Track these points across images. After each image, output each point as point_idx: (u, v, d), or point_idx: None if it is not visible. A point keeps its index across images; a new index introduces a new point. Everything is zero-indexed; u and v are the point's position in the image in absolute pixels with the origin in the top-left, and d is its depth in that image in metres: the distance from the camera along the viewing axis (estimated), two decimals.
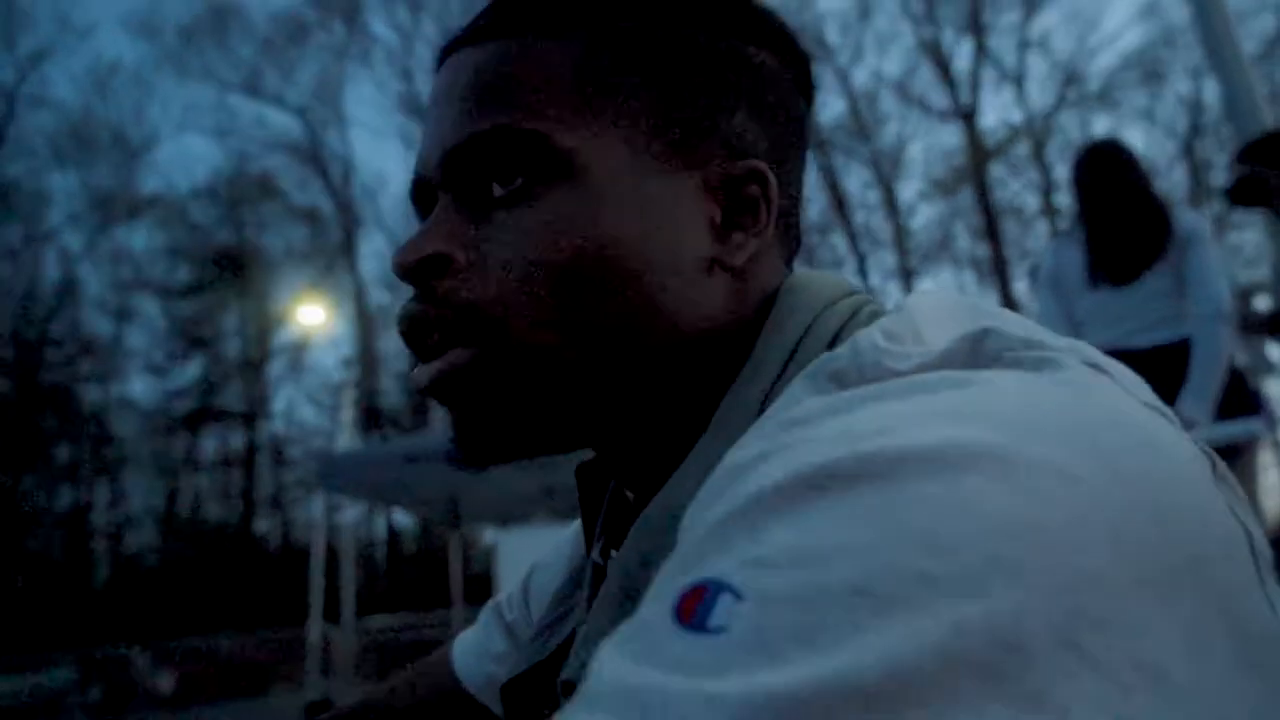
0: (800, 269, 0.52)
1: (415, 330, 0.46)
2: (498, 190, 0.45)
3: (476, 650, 0.77)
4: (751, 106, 0.49)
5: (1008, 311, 0.38)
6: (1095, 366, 0.32)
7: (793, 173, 0.51)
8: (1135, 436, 0.28)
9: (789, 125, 0.51)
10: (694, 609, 0.24)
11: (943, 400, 0.28)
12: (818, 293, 0.46)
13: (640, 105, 0.46)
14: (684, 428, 0.46)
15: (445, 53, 0.49)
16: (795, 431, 0.29)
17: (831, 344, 0.42)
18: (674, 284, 0.45)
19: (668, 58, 0.47)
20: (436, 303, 0.45)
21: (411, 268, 0.45)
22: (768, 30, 0.51)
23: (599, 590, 0.43)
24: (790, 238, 0.52)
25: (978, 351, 0.33)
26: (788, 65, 0.51)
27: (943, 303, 0.38)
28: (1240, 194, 3.08)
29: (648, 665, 0.23)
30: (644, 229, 0.44)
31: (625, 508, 0.52)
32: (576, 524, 0.63)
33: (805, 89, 0.53)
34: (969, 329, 0.34)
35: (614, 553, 0.52)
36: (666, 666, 0.23)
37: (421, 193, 0.49)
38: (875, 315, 0.44)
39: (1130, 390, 0.32)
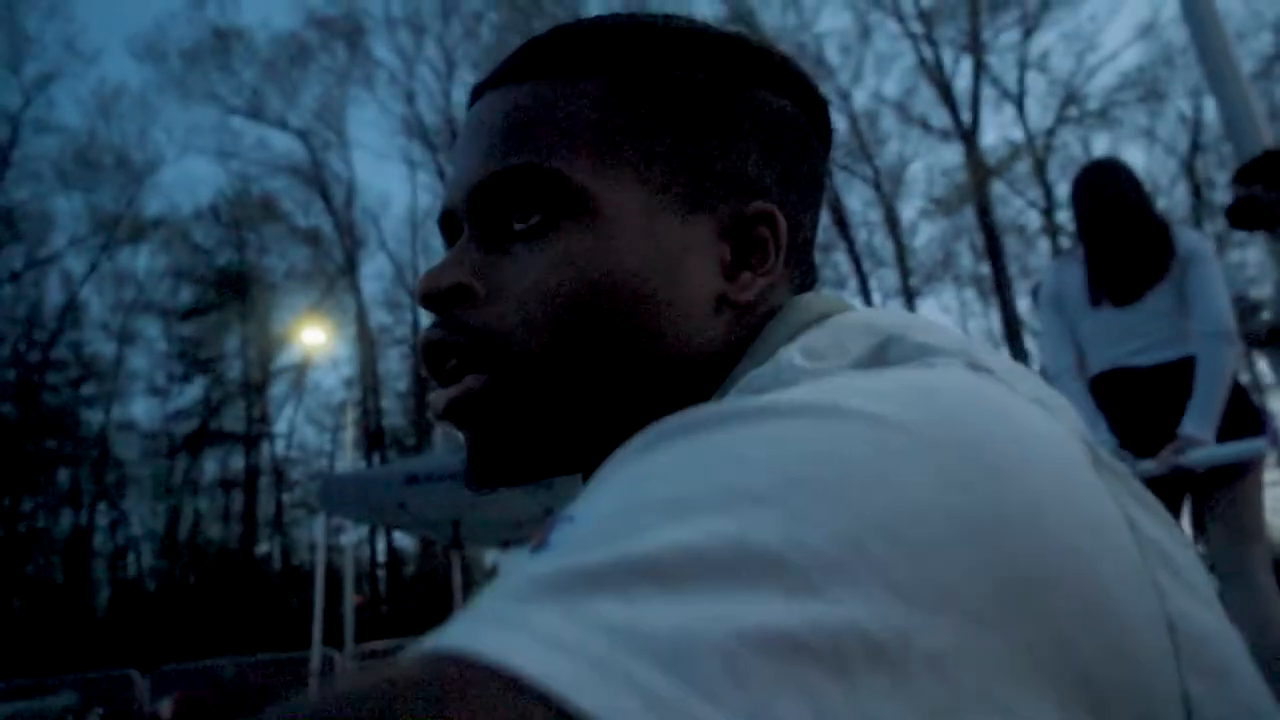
0: (802, 296, 0.52)
1: (435, 356, 0.48)
2: (517, 225, 0.47)
3: None
4: (765, 150, 0.50)
5: (931, 322, 0.40)
6: (978, 367, 0.34)
7: (806, 213, 0.53)
8: (990, 413, 0.29)
9: (803, 168, 0.52)
10: (543, 539, 0.27)
11: (818, 385, 0.31)
12: (801, 315, 0.47)
13: (656, 148, 0.48)
14: None
15: (476, 93, 0.52)
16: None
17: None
18: (682, 320, 0.46)
19: (684, 103, 0.49)
20: (455, 330, 0.47)
21: (434, 296, 0.47)
22: (785, 77, 0.52)
23: None
24: (801, 273, 0.53)
25: (878, 359, 0.36)
26: (804, 110, 0.52)
27: (866, 320, 0.41)
28: (1240, 216, 3.09)
29: (492, 587, 0.26)
30: (655, 267, 0.46)
31: None
32: None
33: (822, 132, 0.54)
34: (879, 337, 0.37)
35: None
36: (501, 582, 0.25)
37: (449, 223, 0.51)
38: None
39: (1013, 386, 0.33)
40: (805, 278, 0.53)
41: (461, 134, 0.51)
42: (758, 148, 0.50)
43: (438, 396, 0.48)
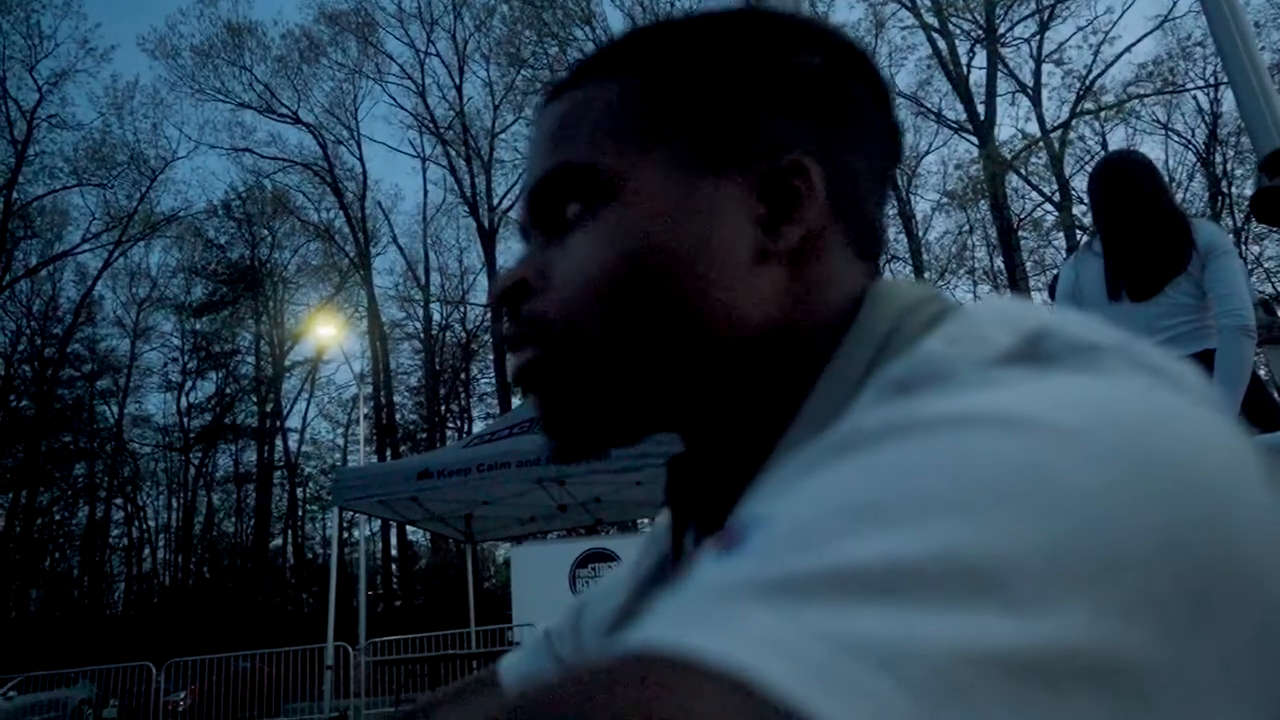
0: (887, 278, 0.53)
1: (506, 345, 0.53)
2: (569, 216, 0.51)
3: (529, 675, 0.76)
4: (796, 108, 0.51)
5: (1065, 312, 0.39)
6: (1145, 366, 0.33)
7: (854, 164, 0.52)
8: (1169, 420, 0.29)
9: (842, 118, 0.53)
10: (733, 541, 0.28)
11: (989, 392, 0.31)
12: (899, 300, 0.47)
13: (680, 125, 0.51)
14: (767, 420, 0.48)
15: (538, 106, 0.56)
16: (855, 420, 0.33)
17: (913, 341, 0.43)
18: (723, 277, 0.48)
19: (704, 80, 0.51)
20: (515, 320, 0.52)
21: (501, 295, 0.52)
22: (808, 35, 0.53)
23: None
24: (858, 229, 0.52)
25: (1034, 351, 0.34)
26: (836, 63, 0.53)
27: (1002, 306, 0.40)
28: (1264, 209, 3.06)
29: (689, 586, 0.27)
30: (688, 234, 0.48)
31: (717, 498, 0.53)
32: (631, 559, 0.66)
33: (866, 79, 0.54)
34: (1027, 329, 0.36)
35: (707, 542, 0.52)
36: (697, 582, 0.26)
37: (524, 232, 0.56)
38: (950, 319, 0.44)
39: (1180, 385, 0.33)
40: (867, 235, 0.53)
41: (526, 149, 0.57)
42: (786, 108, 0.51)
43: (509, 365, 0.54)
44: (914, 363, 0.37)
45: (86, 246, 32.03)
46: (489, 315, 31.45)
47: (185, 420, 34.32)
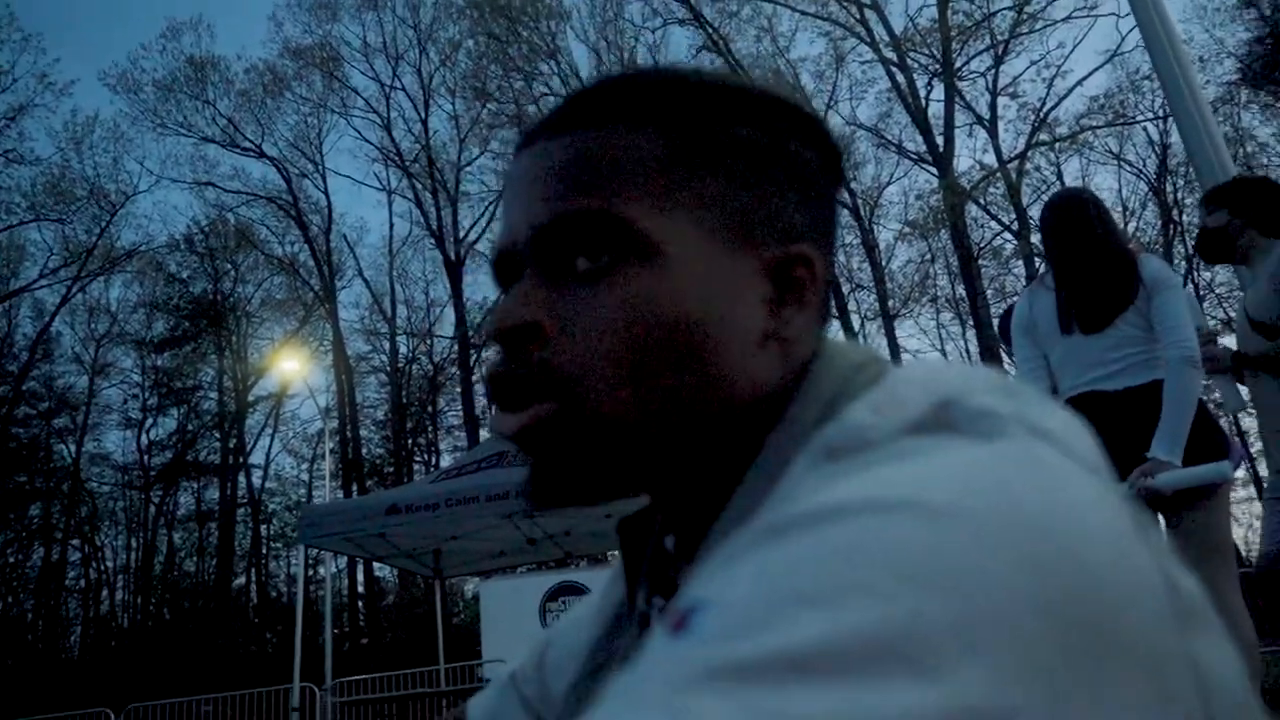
0: (832, 340, 0.56)
1: (503, 387, 0.50)
2: (582, 265, 0.49)
3: (493, 718, 0.79)
4: (800, 197, 0.54)
5: (979, 375, 0.43)
6: (1037, 431, 0.37)
7: (830, 254, 0.56)
8: (1054, 492, 0.33)
9: (827, 212, 0.56)
10: (680, 624, 0.31)
11: (898, 468, 0.34)
12: (841, 363, 0.51)
13: (708, 195, 0.51)
14: (724, 476, 0.50)
15: (528, 139, 0.54)
16: (783, 505, 0.36)
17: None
18: (735, 356, 0.50)
19: (730, 152, 0.52)
20: (525, 364, 0.49)
21: (506, 333, 0.49)
22: (812, 129, 0.56)
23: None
24: (826, 307, 0.56)
25: (942, 419, 0.38)
26: (825, 158, 0.57)
27: (921, 374, 0.44)
28: (1208, 250, 3.18)
29: (642, 669, 0.30)
30: (712, 307, 0.49)
31: (666, 557, 0.57)
32: (597, 592, 0.68)
33: (839, 179, 0.59)
34: (937, 398, 0.40)
35: (657, 600, 0.56)
36: (648, 667, 0.30)
37: (505, 263, 0.53)
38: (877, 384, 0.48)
39: (1069, 448, 0.37)
40: (828, 310, 0.57)
41: (515, 178, 0.53)
42: (794, 195, 0.53)
43: (503, 420, 0.51)
44: (842, 430, 0.41)
45: (44, 282, 31.48)
46: (455, 348, 31.64)
47: (145, 458, 33.66)
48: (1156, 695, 0.31)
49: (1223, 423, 2.78)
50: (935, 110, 26.12)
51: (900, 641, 0.27)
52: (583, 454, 0.49)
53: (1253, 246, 3.16)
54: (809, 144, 0.55)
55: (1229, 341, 3.36)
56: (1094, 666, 0.29)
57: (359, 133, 32.71)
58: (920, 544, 0.30)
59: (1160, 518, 2.63)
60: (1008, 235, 26.29)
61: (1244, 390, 3.29)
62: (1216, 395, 3.42)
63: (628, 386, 0.48)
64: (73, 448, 32.65)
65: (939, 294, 29.35)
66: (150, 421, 34.01)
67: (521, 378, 0.49)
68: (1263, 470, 3.28)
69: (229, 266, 33.88)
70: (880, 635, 0.27)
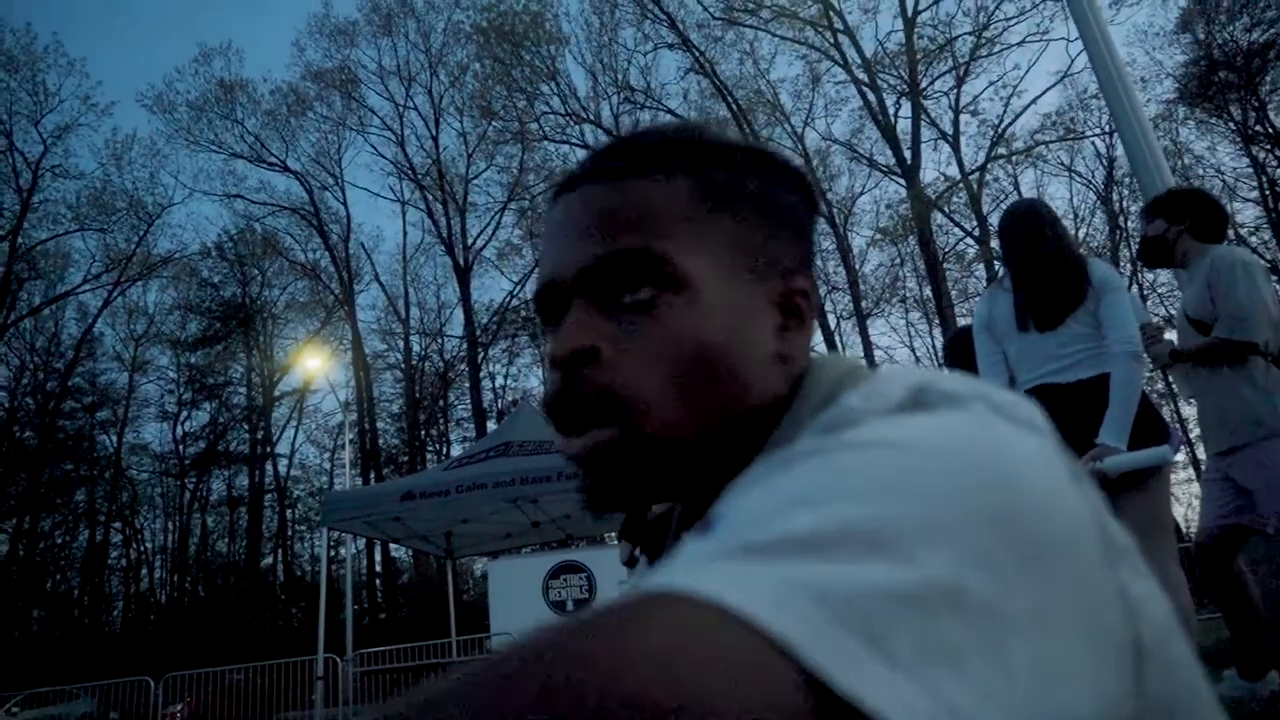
0: (823, 353, 0.59)
1: (563, 408, 0.52)
2: (627, 299, 0.51)
3: None
4: (792, 236, 0.58)
5: (946, 373, 0.47)
6: (994, 406, 0.41)
7: (813, 282, 0.60)
8: (1001, 440, 0.38)
9: (810, 248, 0.60)
10: (708, 526, 0.35)
11: (885, 426, 0.39)
12: (834, 368, 0.54)
13: (728, 236, 0.54)
14: (736, 472, 0.54)
15: (569, 184, 0.57)
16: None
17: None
18: (756, 374, 0.53)
19: (742, 200, 0.55)
20: (583, 386, 0.51)
21: (566, 358, 0.51)
22: (798, 179, 0.60)
23: None
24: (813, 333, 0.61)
25: (918, 400, 0.42)
26: (807, 203, 0.60)
27: (899, 372, 0.47)
28: (1149, 256, 3.21)
29: (672, 561, 0.34)
30: (738, 333, 0.52)
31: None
32: (609, 550, 0.72)
33: (816, 219, 0.62)
34: (913, 385, 0.43)
35: None
36: (680, 554, 0.34)
37: (549, 296, 0.55)
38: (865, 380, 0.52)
39: (1015, 417, 0.41)
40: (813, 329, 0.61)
41: (560, 220, 0.56)
42: (789, 235, 0.57)
43: (571, 444, 0.52)
44: (837, 412, 0.44)
45: (87, 287, 31.36)
46: (464, 347, 31.58)
47: (180, 448, 33.58)
48: (1089, 604, 0.34)
49: (1164, 411, 2.79)
50: (903, 126, 26.17)
51: (877, 532, 0.31)
52: (639, 470, 0.51)
53: (1188, 251, 3.18)
54: (796, 191, 0.59)
55: (1172, 336, 3.38)
56: (1034, 567, 0.33)
57: (375, 148, 32.65)
58: (895, 467, 0.35)
59: (1107, 498, 2.64)
60: (970, 241, 26.35)
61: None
62: (1160, 386, 3.43)
63: (678, 407, 0.50)
64: (114, 439, 32.57)
65: (908, 295, 29.43)
66: (185, 414, 33.97)
67: (582, 402, 0.51)
68: (1201, 454, 3.30)
69: (256, 272, 33.81)
70: (861, 527, 0.31)
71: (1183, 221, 3.20)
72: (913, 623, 0.28)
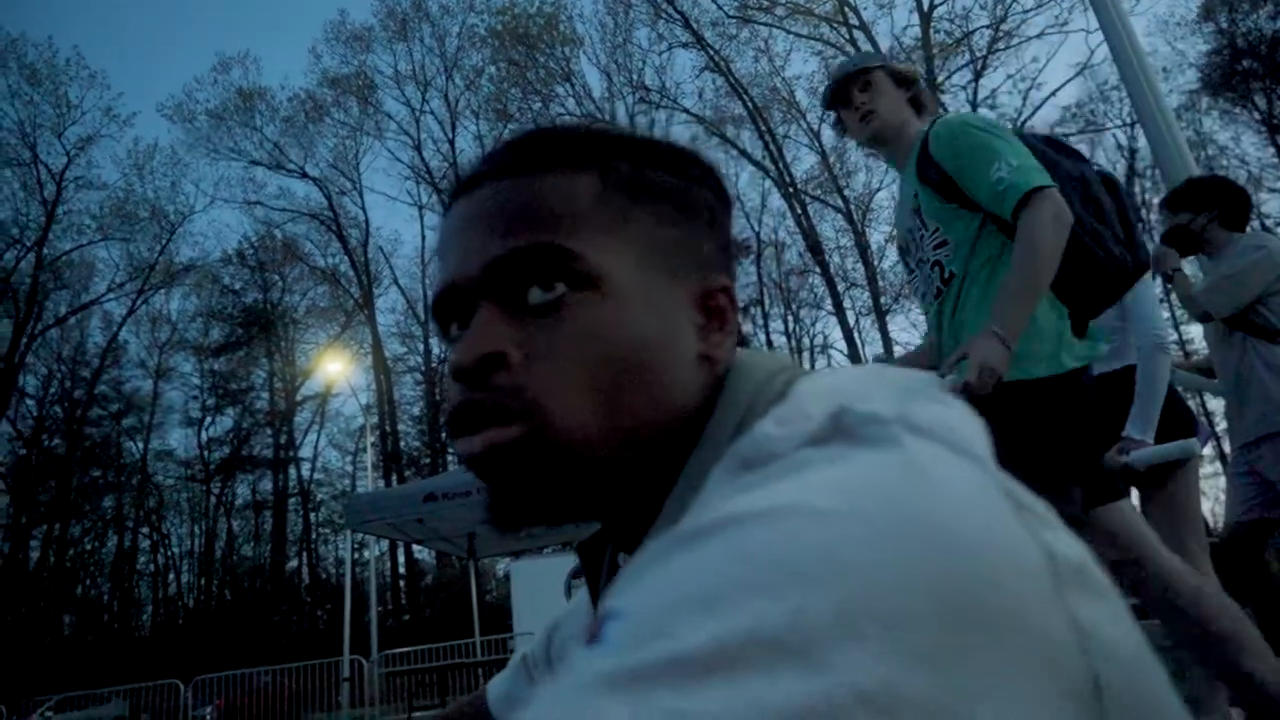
0: (746, 351, 0.56)
1: (465, 417, 0.48)
2: (535, 296, 0.48)
3: (507, 696, 0.80)
4: (710, 232, 0.56)
5: (870, 377, 0.44)
6: (918, 431, 0.38)
7: (735, 278, 0.58)
8: (929, 488, 0.34)
9: (728, 243, 0.58)
10: (597, 634, 0.31)
11: (794, 479, 0.35)
12: (753, 375, 0.51)
13: (641, 232, 0.51)
14: (657, 490, 0.50)
15: (468, 184, 0.53)
16: (699, 512, 0.37)
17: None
18: (675, 377, 0.50)
19: (656, 195, 0.53)
20: (489, 391, 0.47)
21: (470, 367, 0.47)
22: (706, 172, 0.58)
23: None
24: (739, 336, 0.57)
25: (837, 427, 0.39)
26: (721, 200, 0.58)
27: (820, 386, 0.45)
28: (1174, 243, 3.16)
29: (560, 679, 0.30)
30: (655, 333, 0.49)
31: (617, 571, 0.58)
32: (569, 609, 0.72)
33: (730, 219, 0.59)
34: (832, 408, 0.40)
35: None
36: (566, 676, 0.30)
37: (449, 300, 0.52)
38: (786, 396, 0.48)
39: (946, 440, 0.38)
40: (739, 332, 0.58)
41: (461, 219, 0.52)
42: (705, 232, 0.55)
43: (463, 445, 0.49)
44: (752, 443, 0.41)
45: (111, 296, 31.78)
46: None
47: (205, 453, 33.91)
48: (1040, 656, 0.31)
49: (1191, 404, 2.76)
50: None
51: (786, 636, 0.27)
52: (544, 475, 0.47)
53: (1215, 240, 3.14)
54: (709, 187, 0.57)
55: (1194, 333, 3.33)
56: (977, 642, 0.29)
57: (392, 153, 33.08)
58: (806, 543, 0.30)
59: (1135, 491, 2.62)
60: None
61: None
62: (1181, 377, 3.39)
63: (588, 409, 0.47)
64: (140, 445, 32.97)
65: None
66: (209, 420, 34.28)
67: (484, 404, 0.47)
68: (1229, 449, 3.27)
69: (277, 278, 34.09)
70: (767, 633, 0.28)
71: (1211, 209, 3.16)
72: None
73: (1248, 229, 3.20)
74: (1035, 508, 0.37)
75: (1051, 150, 2.03)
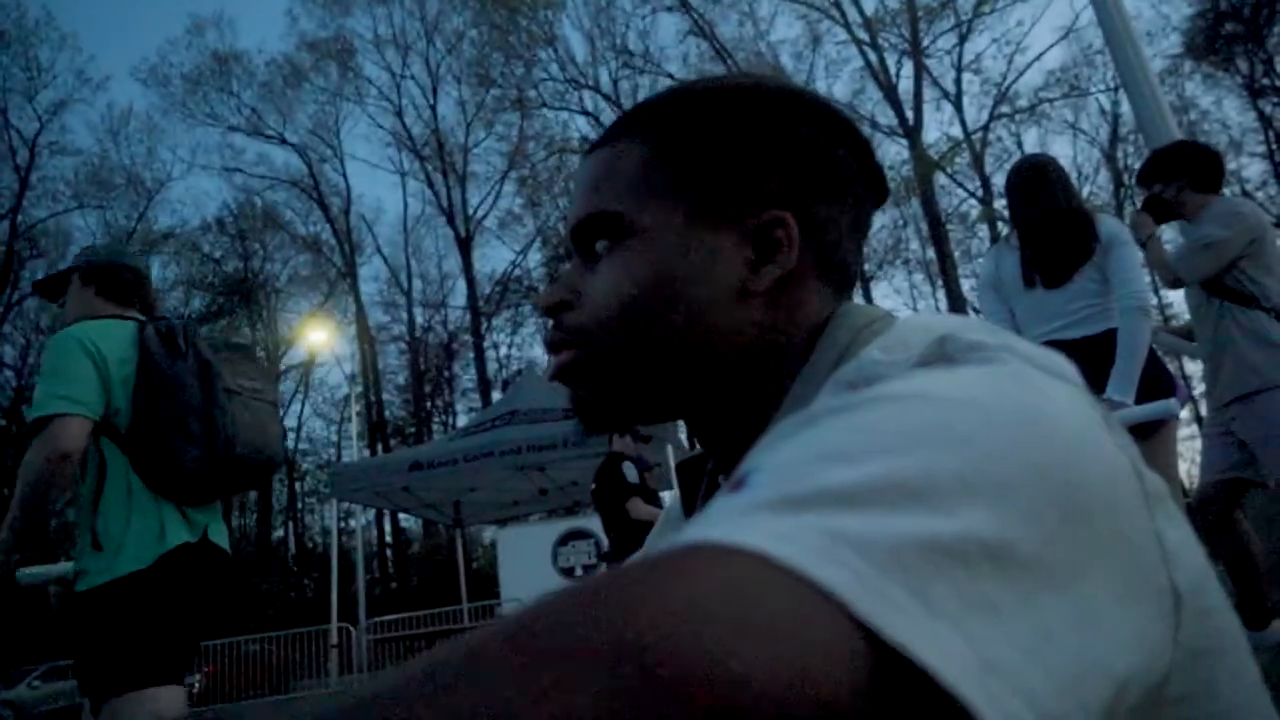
0: (850, 303, 0.60)
1: (548, 345, 0.63)
2: (598, 249, 0.60)
3: None
4: (783, 169, 0.58)
5: (967, 320, 0.47)
6: (1020, 356, 0.41)
7: (831, 214, 0.59)
8: (1036, 392, 0.37)
9: (824, 178, 0.59)
10: (738, 484, 0.34)
11: (915, 380, 0.39)
12: (856, 319, 0.56)
13: (689, 183, 0.58)
14: (757, 419, 0.56)
15: (583, 157, 0.65)
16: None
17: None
18: (711, 305, 0.57)
19: (711, 147, 0.59)
20: (559, 328, 0.61)
21: (546, 309, 0.62)
22: (799, 106, 0.60)
23: None
24: (834, 270, 0.60)
25: (940, 352, 0.42)
26: (821, 129, 0.60)
27: (920, 322, 0.48)
28: (1150, 213, 3.20)
29: (707, 515, 0.33)
30: (686, 269, 0.57)
31: (717, 489, 0.63)
32: (657, 529, 0.76)
33: (848, 141, 0.61)
34: (936, 336, 0.43)
35: None
36: (715, 508, 0.33)
37: (568, 253, 0.65)
38: (886, 331, 0.51)
39: (1044, 368, 0.40)
40: (841, 274, 0.61)
41: (574, 184, 0.65)
42: (776, 169, 0.58)
43: (549, 365, 0.63)
44: (858, 366, 0.45)
45: None
46: (468, 317, 31.65)
47: None
48: (1129, 554, 0.34)
49: (1170, 366, 2.80)
50: (905, 86, 25.90)
51: (916, 485, 0.30)
52: (599, 386, 0.59)
53: (1189, 205, 3.17)
54: (794, 120, 0.59)
55: (1174, 298, 3.37)
56: (1078, 523, 0.32)
57: (373, 119, 32.46)
58: (930, 419, 0.34)
59: None
60: (973, 201, 26.18)
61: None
62: (1161, 341, 3.43)
63: (621, 333, 0.57)
64: None
65: (911, 257, 29.29)
66: None
67: (556, 337, 0.61)
68: (1205, 411, 3.32)
69: (258, 246, 33.73)
70: (900, 480, 0.31)
71: (1180, 177, 3.19)
72: (954, 574, 0.28)
73: (1223, 191, 3.23)
74: (1128, 441, 0.39)
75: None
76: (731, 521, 0.30)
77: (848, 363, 0.48)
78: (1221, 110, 27.60)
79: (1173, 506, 0.39)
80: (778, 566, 0.27)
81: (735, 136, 0.58)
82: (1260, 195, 25.77)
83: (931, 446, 0.32)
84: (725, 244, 0.57)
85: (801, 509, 0.30)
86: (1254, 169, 26.92)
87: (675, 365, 0.57)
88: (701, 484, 0.67)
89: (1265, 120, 26.47)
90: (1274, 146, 26.41)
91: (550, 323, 0.62)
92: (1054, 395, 0.37)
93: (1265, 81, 26.16)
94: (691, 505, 0.67)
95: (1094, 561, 0.32)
